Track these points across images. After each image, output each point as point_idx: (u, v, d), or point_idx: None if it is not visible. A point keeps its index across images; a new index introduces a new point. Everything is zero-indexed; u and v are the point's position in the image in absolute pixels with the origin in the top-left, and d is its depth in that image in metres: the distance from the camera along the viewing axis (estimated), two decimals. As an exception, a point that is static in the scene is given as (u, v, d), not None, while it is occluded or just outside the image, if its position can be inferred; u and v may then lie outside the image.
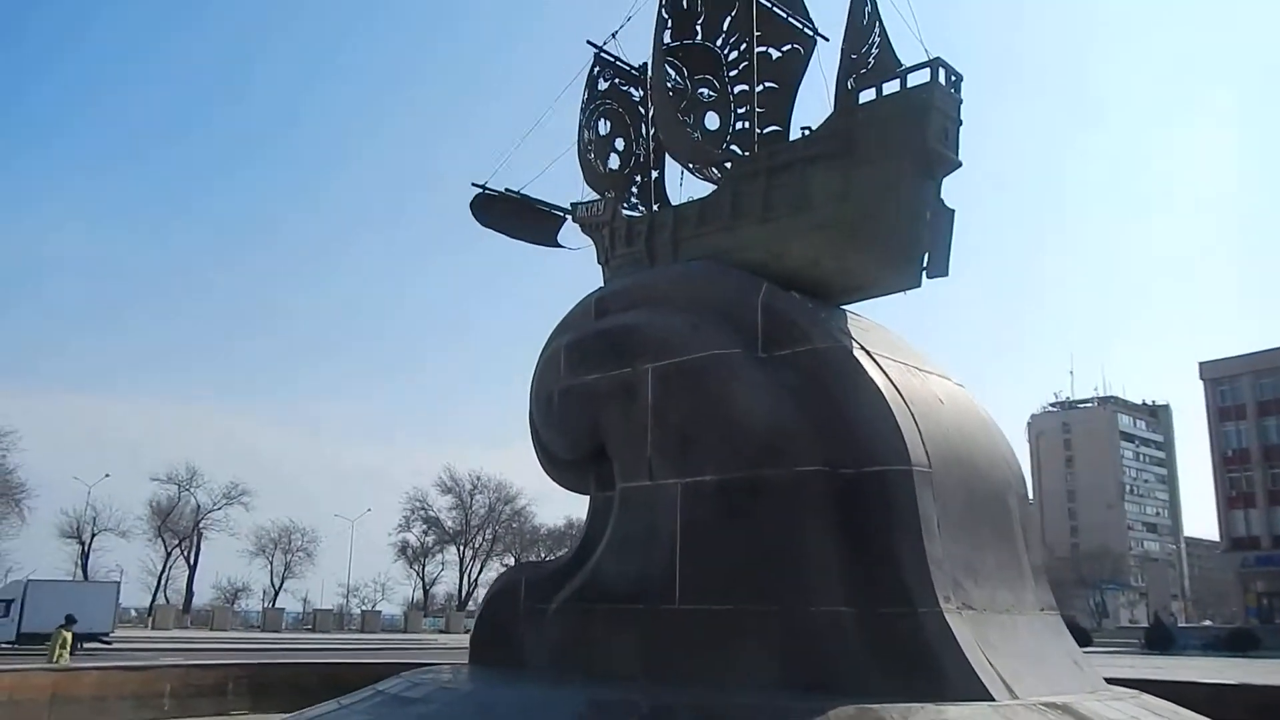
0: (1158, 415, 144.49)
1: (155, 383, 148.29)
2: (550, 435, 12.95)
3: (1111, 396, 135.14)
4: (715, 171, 14.30)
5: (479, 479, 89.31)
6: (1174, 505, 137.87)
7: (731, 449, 10.76)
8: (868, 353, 10.86)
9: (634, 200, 15.57)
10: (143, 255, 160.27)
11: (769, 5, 14.59)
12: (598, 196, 15.54)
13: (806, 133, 12.72)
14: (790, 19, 14.89)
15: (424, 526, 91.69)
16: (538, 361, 13.67)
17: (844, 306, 12.44)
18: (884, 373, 10.62)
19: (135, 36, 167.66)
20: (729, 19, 14.55)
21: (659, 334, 11.84)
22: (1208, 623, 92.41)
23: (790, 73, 14.96)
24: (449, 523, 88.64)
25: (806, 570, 9.87)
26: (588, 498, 13.00)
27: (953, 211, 11.67)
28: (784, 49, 14.95)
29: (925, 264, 11.69)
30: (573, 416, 12.54)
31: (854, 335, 11.30)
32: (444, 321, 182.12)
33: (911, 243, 11.57)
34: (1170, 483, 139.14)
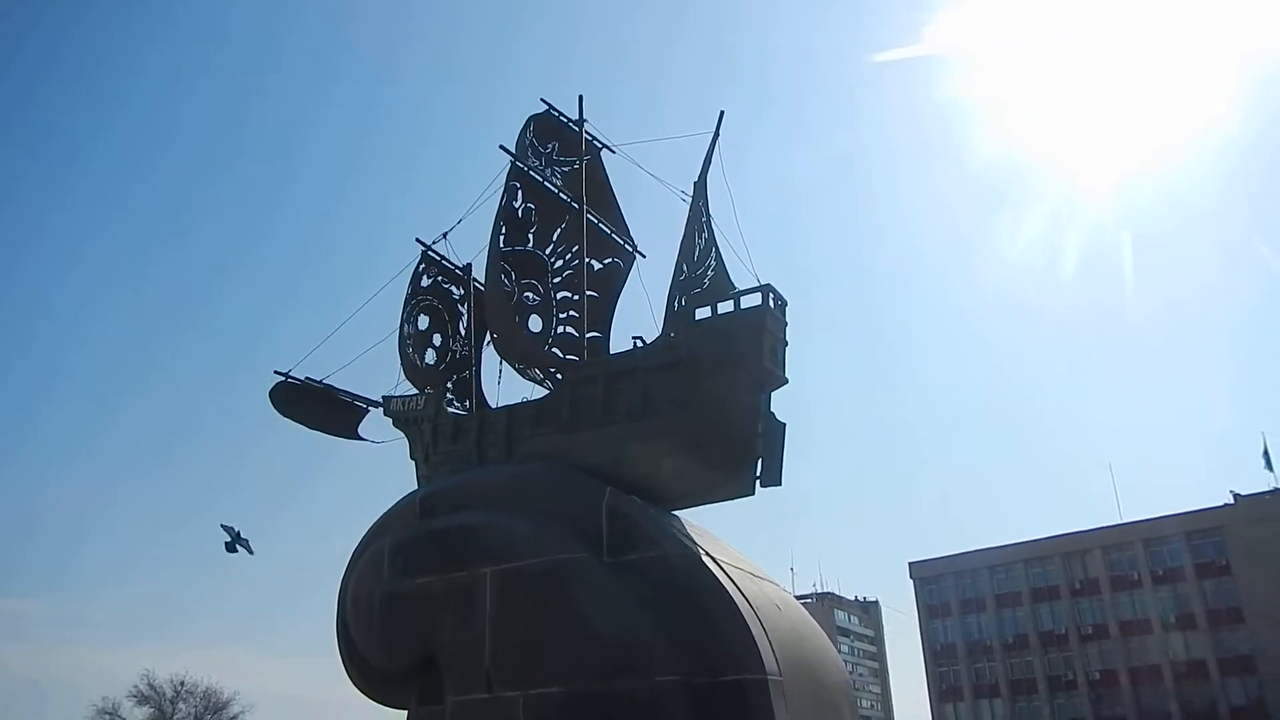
0: (869, 611, 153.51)
1: None
2: (369, 644, 12.04)
3: (829, 592, 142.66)
4: (539, 373, 14.53)
5: (183, 685, 79.50)
6: (885, 698, 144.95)
7: (581, 659, 10.47)
8: (714, 559, 11.08)
9: (449, 397, 15.41)
10: None
11: (596, 221, 15.43)
12: (412, 390, 15.29)
13: (639, 343, 13.28)
14: (613, 235, 15.80)
15: (109, 744, 79.52)
16: (351, 563, 12.86)
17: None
18: (731, 580, 10.84)
19: None
20: (559, 231, 15.22)
21: (500, 536, 11.54)
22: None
23: (610, 284, 15.75)
24: (145, 738, 77.61)
25: (667, 788, 9.58)
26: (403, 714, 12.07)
27: (784, 425, 12.40)
28: (605, 262, 15.78)
29: (759, 473, 12.23)
30: (398, 624, 11.77)
31: (697, 541, 11.52)
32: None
33: (747, 452, 12.12)
34: (882, 676, 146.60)
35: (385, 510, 13.14)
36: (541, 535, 11.32)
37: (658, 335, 12.90)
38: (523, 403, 13.72)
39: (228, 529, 17.60)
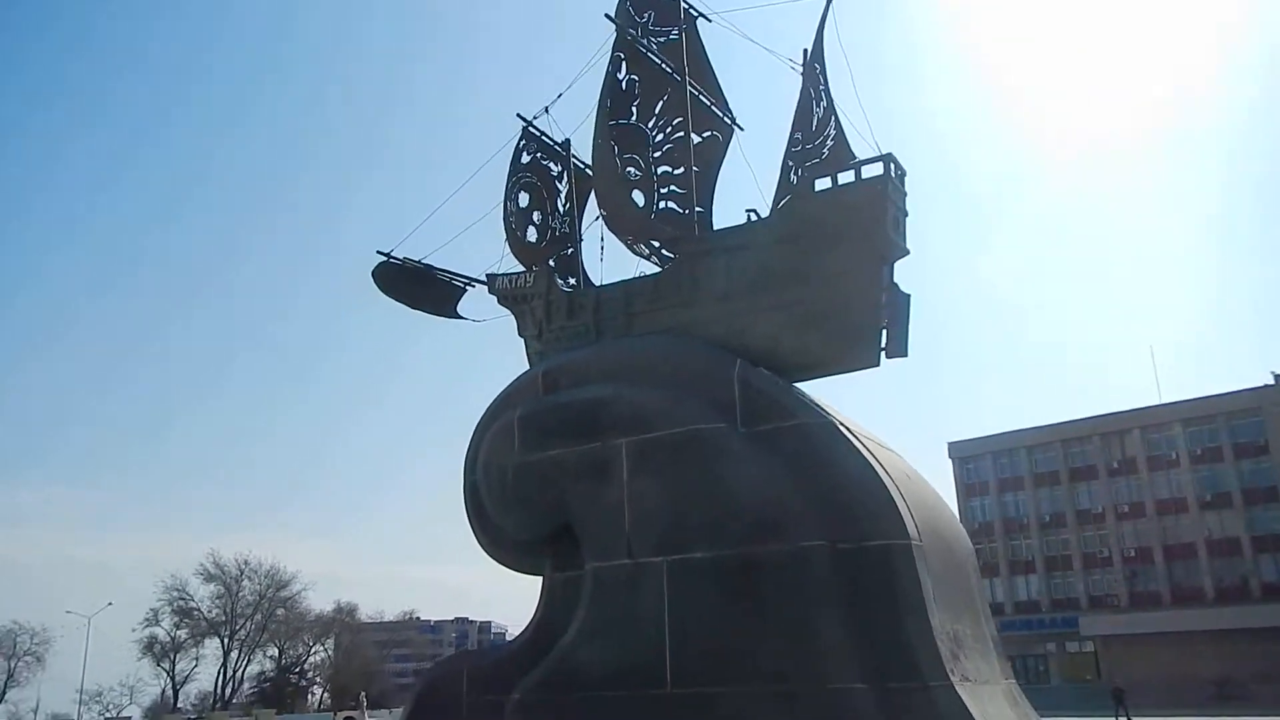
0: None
1: None
2: (504, 513, 12.31)
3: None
4: (645, 248, 14.42)
5: (247, 564, 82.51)
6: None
7: (723, 526, 10.65)
8: (847, 429, 11.16)
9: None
10: None
11: (697, 92, 15.08)
12: (516, 267, 15.28)
13: (753, 215, 13.13)
14: (712, 108, 15.45)
15: (175, 619, 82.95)
16: (477, 435, 13.06)
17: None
18: (866, 449, 10.94)
19: None
20: (661, 103, 14.88)
21: (632, 408, 11.64)
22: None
23: (710, 157, 15.46)
24: (212, 612, 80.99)
25: (816, 648, 9.85)
26: (539, 579, 12.45)
27: (909, 295, 12.30)
28: (705, 135, 15.46)
29: (884, 344, 12.20)
30: (534, 493, 12.00)
31: (827, 411, 11.59)
32: (187, 394, 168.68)
33: (869, 324, 12.07)
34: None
35: (507, 385, 13.28)
36: (675, 406, 11.41)
37: (773, 207, 12.73)
38: (640, 277, 13.67)
39: None
